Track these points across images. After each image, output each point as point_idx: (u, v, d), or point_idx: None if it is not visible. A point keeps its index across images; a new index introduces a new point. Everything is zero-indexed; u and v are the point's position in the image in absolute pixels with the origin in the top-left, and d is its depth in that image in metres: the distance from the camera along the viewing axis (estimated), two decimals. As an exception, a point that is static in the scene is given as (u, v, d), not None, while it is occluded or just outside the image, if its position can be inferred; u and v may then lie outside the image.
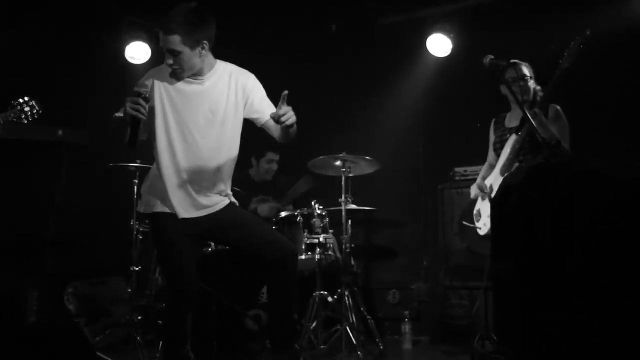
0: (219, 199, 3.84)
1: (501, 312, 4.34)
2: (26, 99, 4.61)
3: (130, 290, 5.52)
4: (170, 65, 3.68)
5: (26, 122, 4.59)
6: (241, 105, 3.85)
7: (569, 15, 5.80)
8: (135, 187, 5.47)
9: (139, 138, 3.59)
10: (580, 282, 2.84)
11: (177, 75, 3.74)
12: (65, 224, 6.27)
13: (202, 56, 3.70)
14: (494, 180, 4.68)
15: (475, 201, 4.94)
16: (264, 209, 5.66)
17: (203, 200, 3.76)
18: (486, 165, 4.97)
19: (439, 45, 6.50)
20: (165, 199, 3.72)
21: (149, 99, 3.58)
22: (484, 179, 4.86)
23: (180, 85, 3.76)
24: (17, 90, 4.91)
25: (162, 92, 3.74)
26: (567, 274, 2.88)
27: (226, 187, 3.89)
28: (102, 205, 6.28)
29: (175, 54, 3.63)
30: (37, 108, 4.62)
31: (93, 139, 6.24)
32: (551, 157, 4.12)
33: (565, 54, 4.19)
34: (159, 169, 3.75)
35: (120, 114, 3.65)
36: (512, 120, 4.76)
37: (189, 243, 3.80)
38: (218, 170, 3.79)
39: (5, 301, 5.80)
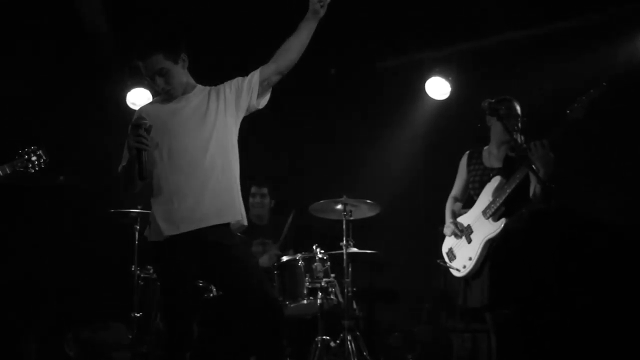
0: (225, 211, 3.68)
1: (504, 357, 4.33)
2: (33, 148, 4.65)
3: (130, 336, 5.48)
4: (162, 88, 3.69)
5: (32, 171, 4.62)
6: (231, 104, 3.77)
7: (568, 58, 5.88)
8: (137, 233, 5.46)
9: (148, 169, 3.54)
10: (583, 326, 2.84)
11: (170, 95, 3.73)
12: (66, 269, 6.26)
13: (184, 68, 3.74)
14: (474, 221, 4.62)
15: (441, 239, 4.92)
16: (264, 260, 5.64)
17: (204, 210, 3.62)
18: (451, 199, 4.93)
19: (438, 87, 6.55)
20: (167, 218, 3.62)
21: (149, 129, 3.55)
22: (455, 215, 4.82)
23: (170, 106, 3.74)
24: (19, 138, 4.96)
25: (153, 120, 3.65)
26: (570, 319, 2.88)
27: (227, 197, 3.70)
28: (103, 250, 6.27)
29: (163, 73, 3.64)
30: (44, 157, 4.66)
31: (94, 185, 6.26)
32: (545, 199, 4.15)
33: (576, 104, 4.18)
34: (157, 193, 3.67)
35: (123, 164, 3.67)
36: (492, 159, 4.74)
37: (189, 279, 3.71)
38: (217, 178, 3.67)
39: (4, 346, 5.77)
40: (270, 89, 3.88)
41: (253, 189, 6.12)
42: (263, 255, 5.69)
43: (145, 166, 3.52)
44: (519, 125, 4.62)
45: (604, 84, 4.18)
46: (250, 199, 6.12)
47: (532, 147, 4.26)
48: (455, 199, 4.93)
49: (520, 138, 4.60)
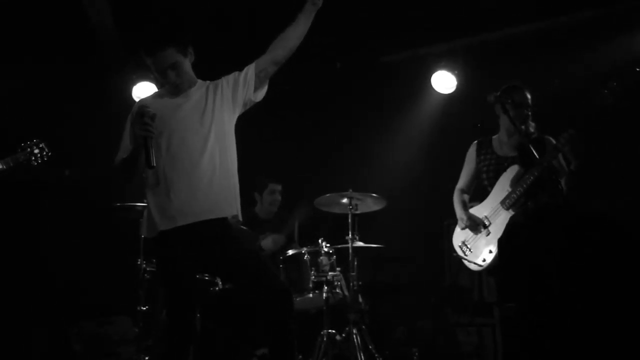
0: (222, 206, 3.69)
1: (510, 352, 4.32)
2: (35, 141, 4.65)
3: (136, 330, 5.48)
4: (173, 82, 3.71)
5: (35, 164, 4.63)
6: (228, 98, 3.80)
7: (574, 51, 5.86)
8: (142, 227, 5.46)
9: (155, 157, 3.56)
10: (589, 321, 2.83)
11: (178, 89, 3.75)
12: (71, 263, 6.27)
13: (191, 62, 3.77)
14: (491, 212, 4.54)
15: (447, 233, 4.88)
16: (267, 242, 5.66)
17: (201, 205, 3.62)
18: (458, 192, 4.85)
19: (444, 81, 6.54)
20: (163, 212, 3.62)
21: (154, 117, 3.58)
22: (465, 208, 4.72)
23: (171, 101, 3.76)
24: (25, 131, 4.96)
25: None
26: (575, 313, 2.87)
27: (224, 192, 3.71)
28: (108, 244, 6.28)
29: (176, 66, 3.67)
30: (47, 150, 4.67)
31: (99, 178, 6.26)
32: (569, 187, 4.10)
33: (606, 90, 4.08)
34: (154, 187, 3.68)
35: (123, 156, 3.69)
36: (505, 147, 4.68)
37: (190, 272, 3.72)
38: (215, 173, 3.68)
39: (10, 341, 5.79)
40: (267, 81, 3.89)
41: (272, 186, 6.14)
42: (267, 238, 5.69)
43: (152, 154, 3.54)
44: (529, 113, 4.56)
45: (638, 69, 4.07)
46: (270, 197, 6.15)
47: (564, 138, 4.19)
48: (462, 191, 4.85)
49: (531, 126, 4.57)
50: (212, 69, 3.99)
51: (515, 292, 4.16)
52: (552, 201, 4.11)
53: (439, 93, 6.63)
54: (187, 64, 3.75)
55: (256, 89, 3.84)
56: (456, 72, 6.46)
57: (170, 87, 3.78)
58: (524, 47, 6.26)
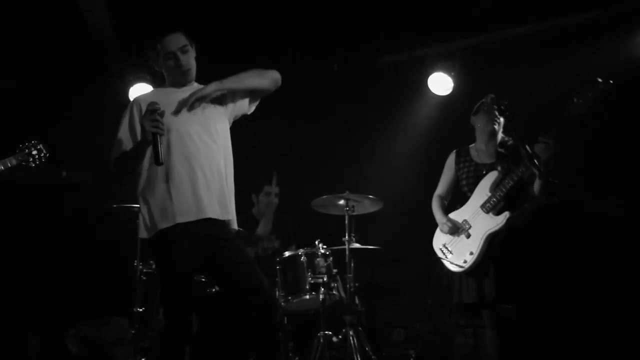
0: (220, 206, 3.71)
1: (507, 353, 4.34)
2: (33, 142, 4.64)
3: (133, 332, 5.47)
4: (183, 65, 3.74)
5: (33, 165, 4.62)
6: (220, 106, 3.85)
7: (570, 53, 5.87)
8: (139, 228, 5.46)
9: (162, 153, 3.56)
10: (585, 322, 2.83)
11: (187, 76, 3.79)
12: (68, 264, 6.26)
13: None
14: (471, 216, 4.67)
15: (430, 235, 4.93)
16: (259, 228, 5.73)
17: (200, 203, 3.64)
18: (437, 198, 5.00)
19: (440, 83, 6.54)
20: (163, 211, 3.62)
21: (162, 114, 3.59)
22: (444, 212, 4.87)
23: (171, 97, 3.77)
24: (22, 132, 4.95)
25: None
26: (571, 314, 2.88)
27: (222, 193, 3.75)
28: (105, 245, 6.27)
29: (185, 50, 3.73)
30: (45, 152, 4.66)
31: (96, 180, 6.26)
32: (548, 195, 4.16)
33: (580, 100, 4.16)
34: (152, 186, 3.68)
35: (121, 150, 3.69)
36: (482, 155, 4.84)
37: (188, 271, 3.71)
38: (213, 174, 3.71)
39: (6, 342, 5.78)
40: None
41: (267, 188, 6.12)
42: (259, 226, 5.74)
43: (161, 150, 3.54)
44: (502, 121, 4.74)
45: (611, 81, 4.14)
46: (265, 199, 6.11)
47: (540, 141, 4.26)
48: (441, 198, 5.01)
49: (501, 136, 4.78)
50: (211, 69, 4.00)
51: (513, 293, 4.18)
52: (549, 202, 4.13)
53: (435, 95, 6.63)
54: (193, 52, 3.80)
55: (251, 102, 3.94)
56: (453, 73, 6.47)
57: (175, 77, 3.80)
58: (521, 49, 6.27)
